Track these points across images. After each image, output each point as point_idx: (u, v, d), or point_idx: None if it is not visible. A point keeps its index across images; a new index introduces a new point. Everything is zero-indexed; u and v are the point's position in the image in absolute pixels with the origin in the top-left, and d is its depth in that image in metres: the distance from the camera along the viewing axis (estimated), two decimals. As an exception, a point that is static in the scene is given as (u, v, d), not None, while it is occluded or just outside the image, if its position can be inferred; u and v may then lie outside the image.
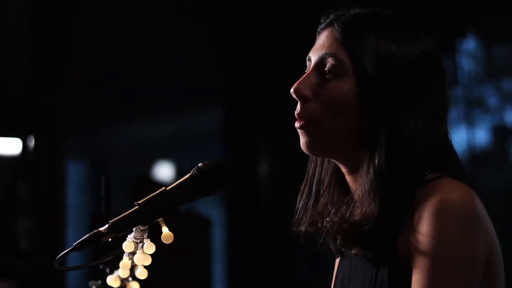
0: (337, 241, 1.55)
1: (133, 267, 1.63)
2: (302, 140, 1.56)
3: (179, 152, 4.78)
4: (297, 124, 1.56)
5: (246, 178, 4.56)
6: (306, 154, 1.58)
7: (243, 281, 4.67)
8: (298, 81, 1.55)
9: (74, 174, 4.18)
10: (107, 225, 1.48)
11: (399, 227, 1.45)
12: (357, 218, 1.48)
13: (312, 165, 1.65)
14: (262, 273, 4.65)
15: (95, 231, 1.48)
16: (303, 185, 1.65)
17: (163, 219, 1.50)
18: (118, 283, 1.73)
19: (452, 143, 1.58)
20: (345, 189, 1.61)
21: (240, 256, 4.69)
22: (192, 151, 4.73)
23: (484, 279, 1.45)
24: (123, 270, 1.63)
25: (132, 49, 4.57)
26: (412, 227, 1.44)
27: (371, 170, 1.48)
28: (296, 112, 1.56)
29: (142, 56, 4.53)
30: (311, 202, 1.62)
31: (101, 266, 1.85)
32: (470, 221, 1.42)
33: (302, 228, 1.61)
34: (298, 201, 1.64)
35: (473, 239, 1.42)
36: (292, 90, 1.55)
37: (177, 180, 1.54)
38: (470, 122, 4.20)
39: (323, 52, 1.53)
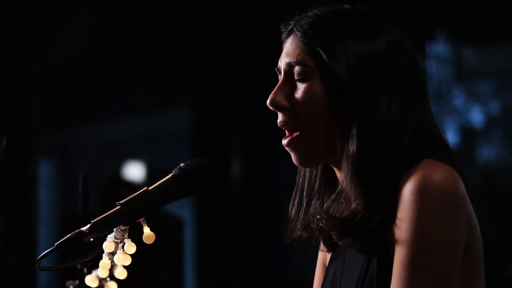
0: (333, 236, 1.54)
1: (112, 267, 1.62)
2: (294, 157, 1.57)
3: (150, 151, 4.77)
4: (284, 142, 1.56)
5: (217, 178, 4.56)
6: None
7: (214, 280, 4.67)
8: (272, 92, 1.56)
9: (45, 173, 4.15)
10: (89, 225, 1.47)
11: (386, 215, 1.44)
12: (346, 214, 1.49)
13: (302, 173, 1.65)
14: (233, 272, 4.66)
15: (77, 230, 1.46)
16: (293, 193, 1.65)
17: (145, 219, 1.50)
18: (96, 283, 1.72)
19: (438, 122, 1.56)
20: (334, 190, 1.61)
21: (211, 256, 4.69)
22: (163, 151, 4.72)
23: (465, 263, 1.43)
24: (102, 270, 1.61)
25: (103, 49, 4.55)
26: (396, 212, 1.42)
27: (347, 162, 1.48)
28: (278, 121, 1.56)
29: (113, 56, 4.52)
30: (303, 208, 1.62)
31: (78, 266, 1.84)
32: (451, 203, 1.40)
33: (298, 234, 1.61)
34: (290, 210, 1.64)
35: (454, 221, 1.40)
36: (268, 102, 1.56)
37: (155, 180, 1.53)
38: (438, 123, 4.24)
39: (288, 60, 1.55)
